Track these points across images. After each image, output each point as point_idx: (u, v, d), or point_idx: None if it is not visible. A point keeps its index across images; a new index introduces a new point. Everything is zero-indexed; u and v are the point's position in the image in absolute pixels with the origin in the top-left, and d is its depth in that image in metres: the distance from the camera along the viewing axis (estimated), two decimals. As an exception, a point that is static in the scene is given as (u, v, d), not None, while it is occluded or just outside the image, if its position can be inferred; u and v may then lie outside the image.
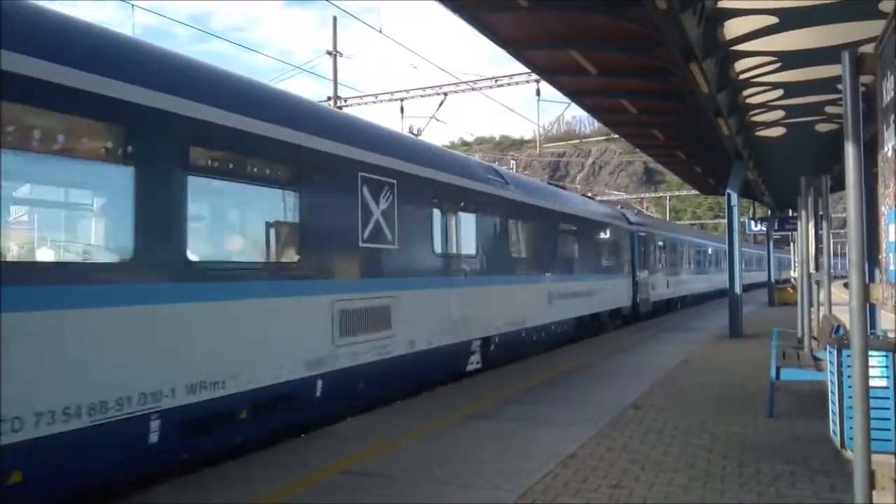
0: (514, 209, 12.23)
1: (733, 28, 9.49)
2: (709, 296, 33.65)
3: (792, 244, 38.03)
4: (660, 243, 24.14)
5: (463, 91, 22.79)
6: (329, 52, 22.55)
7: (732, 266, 16.49)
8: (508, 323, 11.70)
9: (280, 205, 6.87)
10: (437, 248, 9.65)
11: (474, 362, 10.56)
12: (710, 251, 35.33)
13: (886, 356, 4.72)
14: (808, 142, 15.84)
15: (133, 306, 5.01)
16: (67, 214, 6.05)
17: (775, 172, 21.78)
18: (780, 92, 12.05)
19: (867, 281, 3.53)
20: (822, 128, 14.43)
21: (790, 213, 27.63)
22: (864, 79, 3.60)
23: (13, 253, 4.79)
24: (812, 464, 5.52)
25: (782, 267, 53.16)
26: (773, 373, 7.47)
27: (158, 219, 5.30)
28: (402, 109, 23.76)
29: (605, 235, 17.94)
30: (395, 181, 8.48)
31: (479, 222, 10.83)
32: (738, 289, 16.24)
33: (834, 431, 5.25)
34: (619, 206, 27.06)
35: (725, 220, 17.59)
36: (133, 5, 16.01)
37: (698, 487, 5.01)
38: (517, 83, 21.53)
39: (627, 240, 20.16)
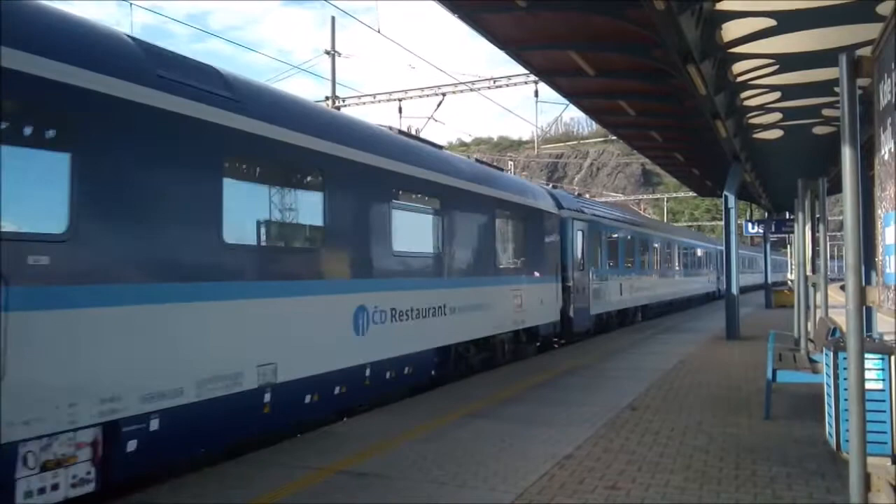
0: (258, 154, 6.61)
1: (731, 30, 9.51)
2: (682, 303, 28.60)
3: (789, 246, 38.00)
4: (612, 237, 19.12)
5: (461, 92, 22.80)
6: (327, 52, 22.56)
7: (730, 268, 16.53)
8: (205, 381, 5.64)
9: None
10: None
11: (57, 487, 4.59)
12: (687, 249, 29.95)
13: (882, 359, 4.73)
14: (805, 144, 15.88)
15: None
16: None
17: (772, 175, 21.82)
18: (777, 94, 12.08)
19: (864, 283, 3.54)
20: (820, 130, 14.46)
21: (787, 216, 27.67)
22: (862, 82, 3.61)
23: None
24: (808, 466, 5.54)
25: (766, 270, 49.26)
26: (769, 375, 7.48)
27: None
28: (400, 110, 23.77)
29: (508, 221, 12.37)
30: None
31: (104, 168, 5.00)
32: (735, 290, 16.28)
33: (830, 434, 5.26)
34: (585, 195, 20.96)
35: (723, 222, 17.64)
36: (132, 4, 15.98)
37: (694, 489, 5.02)
38: (515, 84, 21.54)
39: (557, 231, 14.75)
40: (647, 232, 23.49)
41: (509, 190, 12.58)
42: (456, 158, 11.99)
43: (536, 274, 13.41)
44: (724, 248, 17.53)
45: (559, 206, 15.23)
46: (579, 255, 15.83)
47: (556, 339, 15.02)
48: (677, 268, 27.88)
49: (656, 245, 24.43)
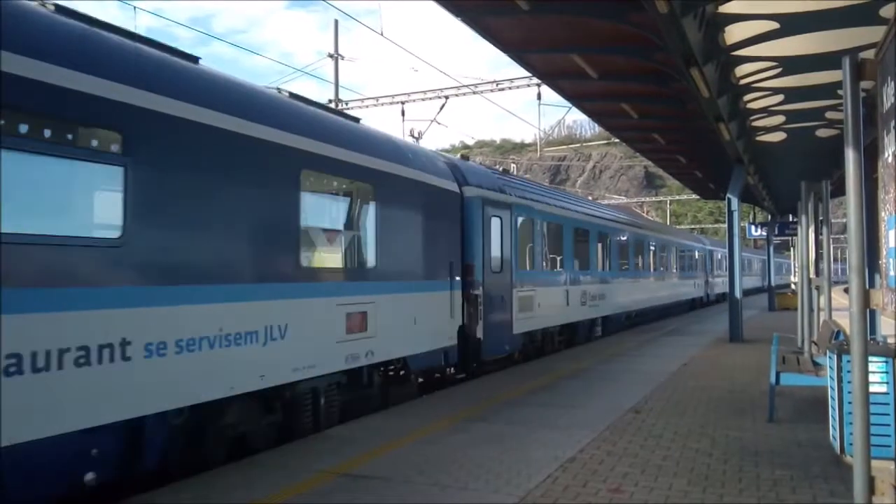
0: None
1: (734, 33, 9.50)
2: (659, 312, 23.84)
3: (792, 249, 37.86)
4: (553, 229, 14.39)
5: (464, 94, 22.85)
6: (330, 55, 22.61)
7: (733, 270, 16.51)
8: None
9: None
10: None
11: None
12: (665, 247, 24.95)
13: (886, 362, 4.73)
14: (808, 147, 15.85)
15: None
16: None
17: (776, 177, 21.78)
18: (780, 97, 12.06)
19: (867, 286, 3.53)
20: (823, 133, 14.44)
21: (790, 218, 27.65)
22: (865, 84, 3.61)
23: None
24: (812, 469, 5.52)
25: (754, 272, 44.66)
26: (772, 377, 7.47)
27: None
28: (403, 112, 23.82)
29: (337, 194, 8.16)
30: None
31: None
32: (738, 293, 16.25)
33: (833, 437, 5.26)
34: (516, 173, 16.01)
35: (726, 225, 17.62)
36: (135, 7, 16.13)
37: (697, 492, 5.01)
38: (518, 87, 21.56)
39: (456, 216, 10.32)
40: (607, 224, 18.41)
41: (340, 143, 7.72)
42: (199, 72, 6.33)
43: (406, 278, 8.87)
44: (727, 249, 17.43)
45: (463, 182, 10.69)
46: (496, 251, 11.35)
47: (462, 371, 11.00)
48: (651, 269, 22.95)
49: (622, 241, 19.47)
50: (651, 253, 22.93)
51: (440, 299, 9.77)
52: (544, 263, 13.90)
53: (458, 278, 10.22)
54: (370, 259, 8.26)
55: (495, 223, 11.44)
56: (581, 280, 15.83)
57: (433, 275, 9.58)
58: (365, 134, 8.73)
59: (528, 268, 12.99)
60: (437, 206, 9.78)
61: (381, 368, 8.70)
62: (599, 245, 17.44)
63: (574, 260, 15.56)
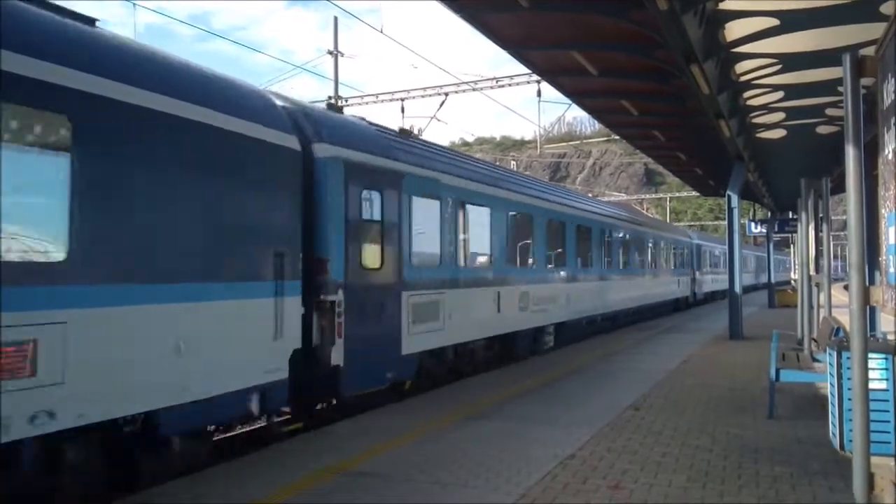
0: None
1: (734, 30, 9.49)
2: (638, 313, 21.16)
3: (792, 246, 37.86)
4: (471, 210, 10.92)
5: (464, 91, 22.82)
6: (330, 52, 22.57)
7: (732, 268, 16.53)
8: None
9: None
10: None
11: None
12: (643, 240, 21.99)
13: (886, 359, 4.72)
14: (808, 144, 15.84)
15: None
16: None
17: (776, 174, 21.78)
18: (780, 94, 12.05)
19: (867, 283, 3.53)
20: (823, 130, 14.43)
21: (790, 215, 27.64)
22: (865, 81, 3.61)
23: None
24: (811, 466, 5.53)
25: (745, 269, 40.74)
26: (772, 374, 7.48)
27: None
28: (402, 109, 23.81)
29: None
30: None
31: None
32: (738, 289, 16.27)
33: (833, 433, 5.26)
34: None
35: (726, 222, 17.63)
36: (135, 4, 16.12)
37: (697, 489, 5.01)
38: (518, 84, 21.55)
39: (292, 187, 6.96)
40: (561, 210, 14.84)
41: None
42: None
43: (158, 279, 5.40)
44: (725, 245, 17.43)
45: (315, 138, 7.54)
46: (373, 240, 8.33)
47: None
48: (623, 266, 19.56)
49: (582, 231, 16.02)
50: (623, 246, 19.58)
51: (250, 311, 6.31)
52: (460, 257, 10.53)
53: (294, 279, 6.86)
54: (55, 248, 4.72)
55: (372, 200, 8.35)
56: (520, 279, 12.57)
57: (232, 274, 6.13)
58: (72, 34, 5.12)
59: (431, 263, 9.72)
60: (243, 166, 6.33)
61: (117, 427, 5.22)
62: (549, 235, 13.95)
63: (509, 253, 12.31)
